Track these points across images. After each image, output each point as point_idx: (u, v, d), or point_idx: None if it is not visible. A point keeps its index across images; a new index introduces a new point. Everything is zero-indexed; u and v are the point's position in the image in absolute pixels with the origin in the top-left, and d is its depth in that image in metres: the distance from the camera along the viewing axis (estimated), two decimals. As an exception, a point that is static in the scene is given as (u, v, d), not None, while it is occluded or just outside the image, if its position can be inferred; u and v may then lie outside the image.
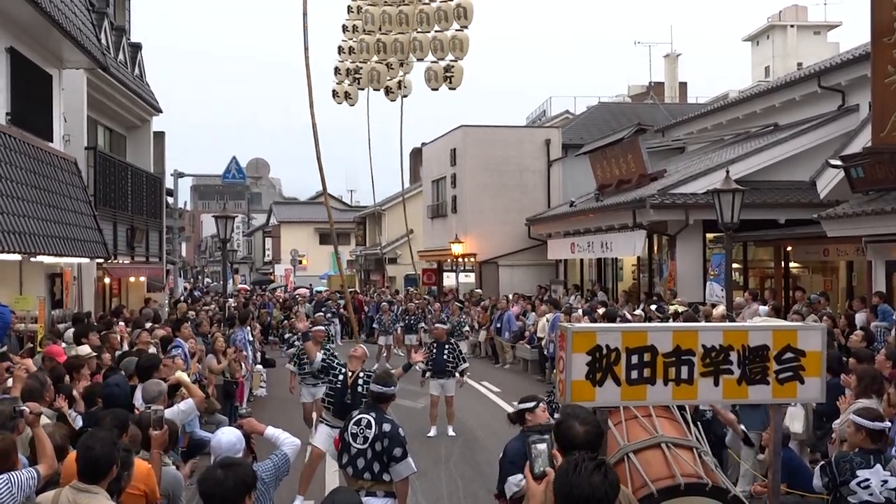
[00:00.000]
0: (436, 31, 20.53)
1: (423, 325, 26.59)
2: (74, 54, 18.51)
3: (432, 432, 15.86)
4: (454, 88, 20.68)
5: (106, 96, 23.59)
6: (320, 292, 41.23)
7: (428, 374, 15.99)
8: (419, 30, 20.74)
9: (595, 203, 28.80)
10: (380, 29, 21.21)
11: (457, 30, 20.42)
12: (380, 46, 21.21)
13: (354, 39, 21.99)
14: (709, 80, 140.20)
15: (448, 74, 20.41)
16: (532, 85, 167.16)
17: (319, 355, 12.39)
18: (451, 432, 15.91)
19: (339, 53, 22.40)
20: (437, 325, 17.58)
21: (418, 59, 21.00)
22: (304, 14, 15.30)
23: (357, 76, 21.90)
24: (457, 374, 16.14)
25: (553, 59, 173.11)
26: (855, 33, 79.63)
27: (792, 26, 64.43)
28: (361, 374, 11.23)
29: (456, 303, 28.96)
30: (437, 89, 20.73)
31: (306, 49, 15.33)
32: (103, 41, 21.79)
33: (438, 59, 20.51)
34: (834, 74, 23.97)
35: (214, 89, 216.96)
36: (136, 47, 27.46)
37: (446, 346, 16.12)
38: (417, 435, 14.29)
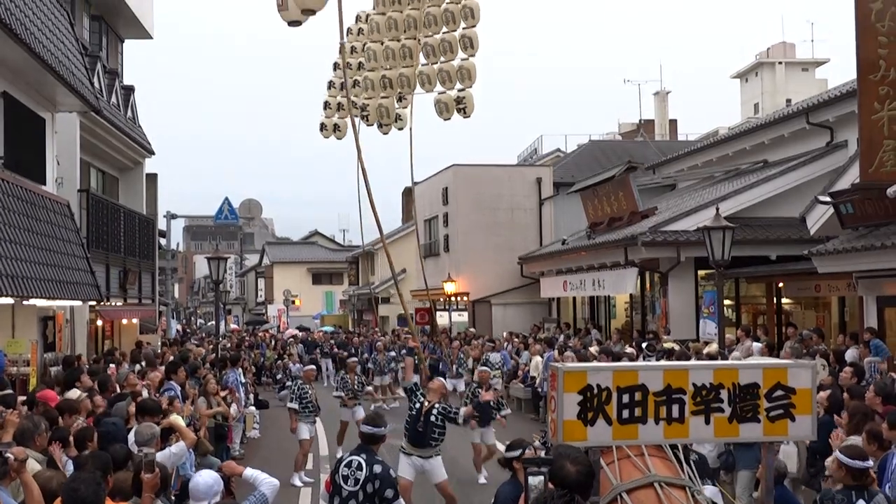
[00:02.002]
0: (441, 62, 20.66)
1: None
2: (68, 98, 18.61)
3: (482, 479, 15.27)
4: (468, 117, 20.79)
5: (99, 139, 23.67)
6: (321, 332, 41.11)
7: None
8: (424, 62, 20.88)
9: (587, 241, 28.86)
10: (383, 66, 21.31)
11: (462, 59, 20.56)
12: (385, 83, 21.32)
13: (348, 76, 22.12)
14: (698, 117, 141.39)
15: (461, 106, 20.53)
16: (522, 122, 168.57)
17: (415, 377, 12.84)
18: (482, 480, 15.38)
19: (329, 88, 22.53)
20: (482, 367, 16.92)
21: (426, 92, 21.11)
22: (344, 67, 15.33)
23: (365, 113, 22.00)
24: (498, 417, 15.63)
25: (544, 96, 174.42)
26: (843, 69, 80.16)
27: (780, 63, 64.90)
28: (437, 406, 11.83)
29: (488, 343, 28.16)
30: (448, 119, 20.84)
31: (349, 101, 15.42)
32: (96, 84, 21.91)
33: (447, 89, 20.62)
34: (822, 111, 24.15)
35: (207, 126, 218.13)
36: (129, 90, 27.61)
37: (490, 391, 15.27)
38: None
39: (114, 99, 25.05)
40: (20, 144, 17.03)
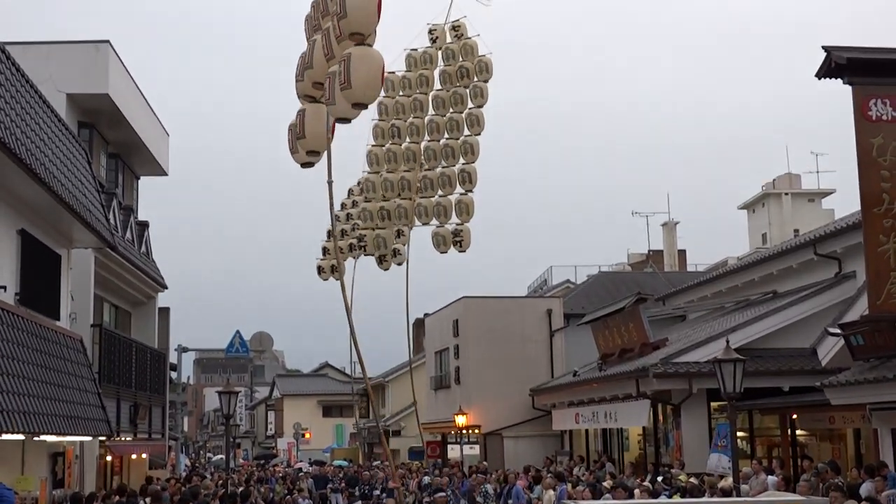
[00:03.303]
0: (439, 196, 20.94)
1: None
2: (84, 234, 18.92)
3: None
4: (463, 251, 20.97)
5: (113, 274, 23.95)
6: (331, 467, 40.57)
7: None
8: (423, 195, 21.17)
9: (598, 373, 28.79)
10: (383, 197, 21.62)
11: (461, 194, 20.83)
12: (383, 214, 21.58)
13: (348, 224, 22.53)
14: (707, 247, 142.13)
15: (457, 238, 20.72)
16: (532, 252, 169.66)
17: None
18: None
19: (329, 238, 22.94)
20: None
21: (423, 224, 21.38)
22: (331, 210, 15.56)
23: (362, 244, 22.25)
24: None
25: (553, 227, 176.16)
26: (849, 198, 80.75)
27: (786, 194, 65.41)
28: None
29: (479, 474, 27.72)
30: (445, 252, 21.02)
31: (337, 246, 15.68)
32: (112, 221, 22.27)
33: (443, 223, 20.85)
34: (829, 242, 24.36)
35: (219, 258, 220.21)
36: (143, 225, 28.04)
37: None
38: None
39: (128, 235, 25.43)
40: (36, 280, 17.24)
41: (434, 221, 21.12)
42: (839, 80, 17.72)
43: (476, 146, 21.21)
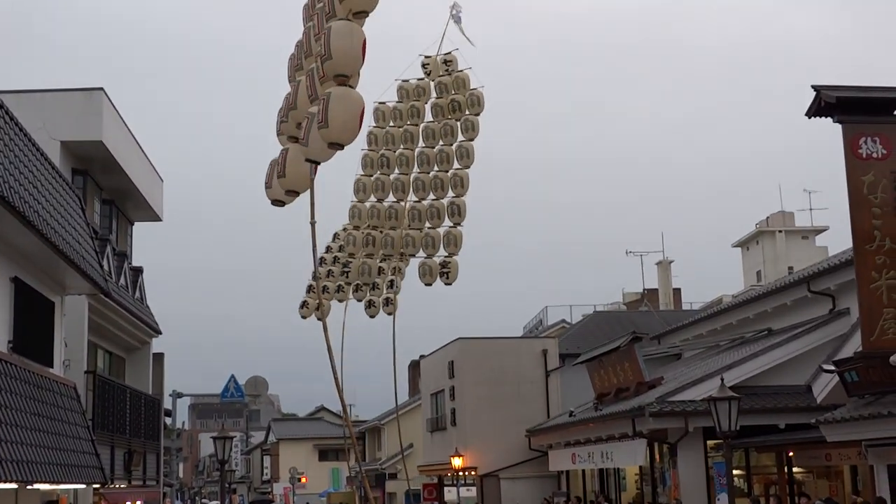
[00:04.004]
0: (428, 228, 20.94)
1: None
2: (77, 281, 18.88)
3: None
4: (450, 284, 20.91)
5: (107, 320, 23.88)
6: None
7: None
8: (411, 226, 21.14)
9: (594, 412, 28.71)
10: (369, 224, 21.56)
11: (450, 226, 20.82)
12: (369, 240, 21.49)
13: (335, 266, 22.54)
14: (702, 285, 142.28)
15: (445, 270, 20.67)
16: (527, 292, 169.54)
17: None
18: None
19: (314, 279, 23.01)
20: None
21: (410, 255, 21.34)
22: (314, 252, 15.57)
23: (346, 270, 22.19)
24: None
25: (548, 267, 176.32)
26: (842, 235, 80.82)
27: (780, 232, 65.59)
28: None
29: None
30: (430, 284, 20.96)
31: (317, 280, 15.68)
32: (105, 267, 22.24)
33: (430, 255, 20.82)
34: (822, 279, 24.44)
35: (214, 304, 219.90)
36: (138, 271, 27.99)
37: None
38: None
39: (122, 280, 25.37)
40: (29, 328, 17.18)
41: (422, 253, 21.13)
42: (829, 119, 17.84)
43: (466, 179, 21.25)
